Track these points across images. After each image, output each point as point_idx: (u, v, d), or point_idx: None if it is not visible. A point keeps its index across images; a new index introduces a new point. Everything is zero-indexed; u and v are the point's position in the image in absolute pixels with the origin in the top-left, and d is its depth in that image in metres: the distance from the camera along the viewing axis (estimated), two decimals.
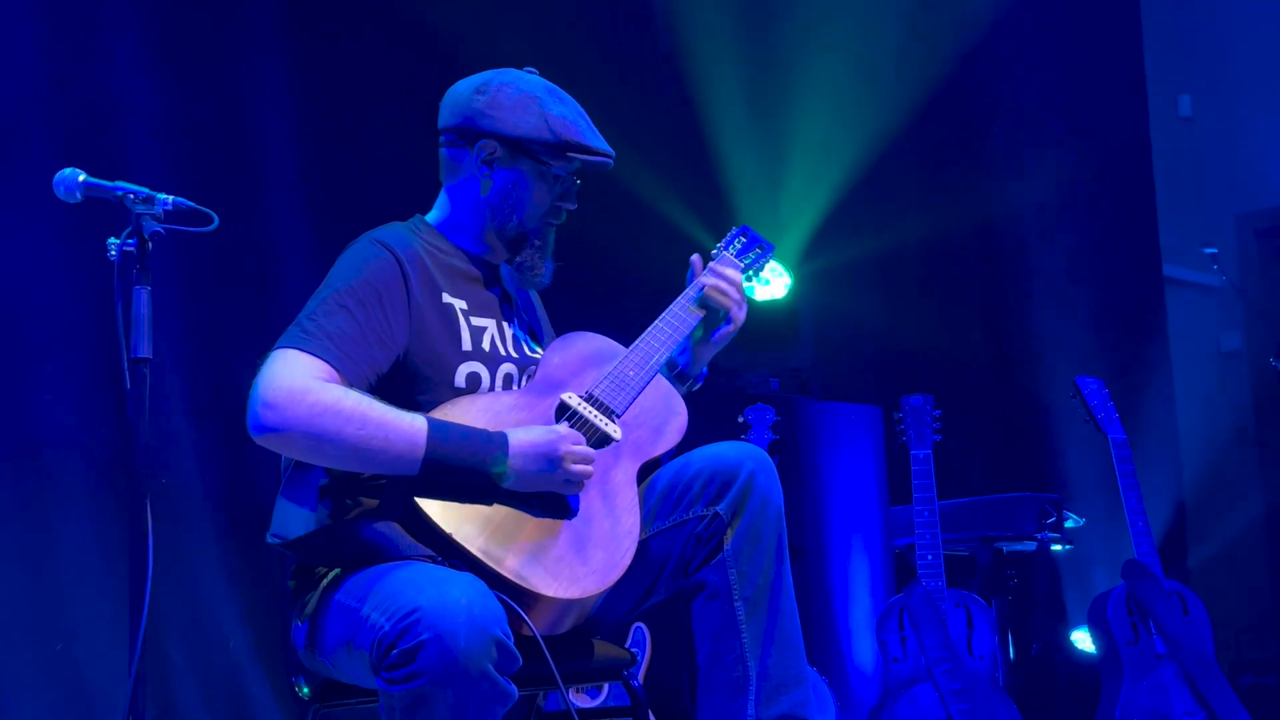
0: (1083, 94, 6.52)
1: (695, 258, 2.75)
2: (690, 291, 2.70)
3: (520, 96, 2.53)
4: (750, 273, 2.88)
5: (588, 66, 5.34)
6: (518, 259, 2.58)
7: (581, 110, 2.61)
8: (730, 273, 2.71)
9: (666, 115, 5.81)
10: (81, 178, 2.29)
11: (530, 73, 2.63)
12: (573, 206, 2.61)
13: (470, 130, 2.54)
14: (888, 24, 6.05)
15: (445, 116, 2.59)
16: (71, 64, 4.19)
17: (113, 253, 2.23)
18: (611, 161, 2.59)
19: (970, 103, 6.34)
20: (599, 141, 2.58)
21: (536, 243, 2.58)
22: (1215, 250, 6.31)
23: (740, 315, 2.69)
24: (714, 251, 2.86)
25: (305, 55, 4.82)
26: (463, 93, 2.57)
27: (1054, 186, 6.40)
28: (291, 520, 2.32)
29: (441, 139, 2.60)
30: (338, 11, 4.95)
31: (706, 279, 2.68)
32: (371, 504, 2.30)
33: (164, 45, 4.41)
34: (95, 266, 2.32)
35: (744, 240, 2.90)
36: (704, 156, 5.85)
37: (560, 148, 2.52)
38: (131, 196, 2.26)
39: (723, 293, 2.67)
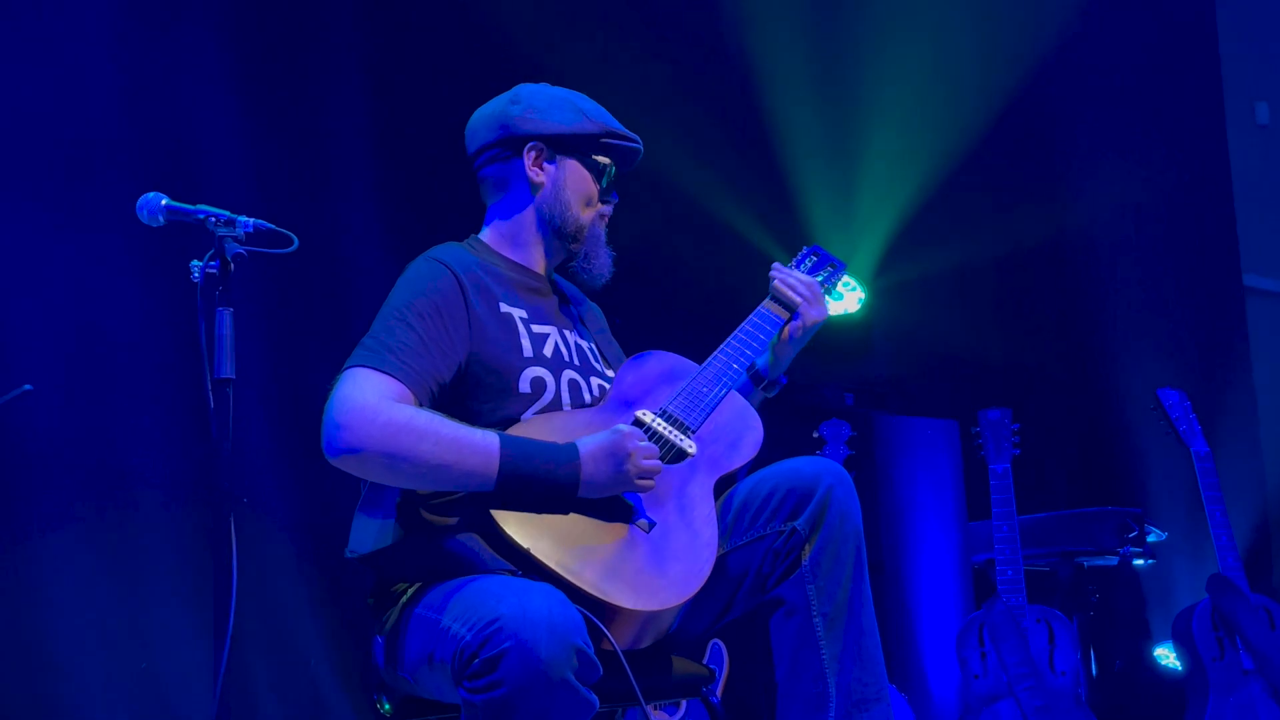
0: (1159, 103, 6.45)
1: (776, 265, 2.81)
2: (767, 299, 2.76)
3: (553, 97, 2.64)
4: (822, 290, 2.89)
5: (660, 82, 5.37)
6: (580, 251, 2.64)
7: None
8: (798, 273, 2.78)
9: (739, 131, 5.82)
10: (164, 201, 2.32)
11: None
12: (615, 199, 2.68)
13: (514, 138, 2.61)
14: (961, 36, 6.02)
15: (482, 136, 2.65)
16: (151, 89, 4.25)
17: (195, 275, 2.27)
18: (642, 149, 2.69)
19: (1045, 113, 6.29)
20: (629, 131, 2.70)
21: (593, 233, 2.65)
22: None
23: (813, 312, 2.73)
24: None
25: (382, 76, 4.87)
26: (494, 109, 2.66)
27: (1131, 196, 6.33)
28: (369, 535, 2.34)
29: (479, 160, 2.66)
30: (415, 32, 5.00)
31: (776, 273, 2.76)
32: (448, 520, 2.32)
33: (242, 69, 4.47)
34: (178, 288, 2.35)
35: (815, 259, 2.92)
36: (777, 172, 5.85)
37: (603, 135, 2.62)
38: (213, 219, 2.29)
39: (790, 287, 2.73)
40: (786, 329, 2.72)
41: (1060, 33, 6.17)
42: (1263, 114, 6.85)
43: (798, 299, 2.72)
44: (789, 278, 2.75)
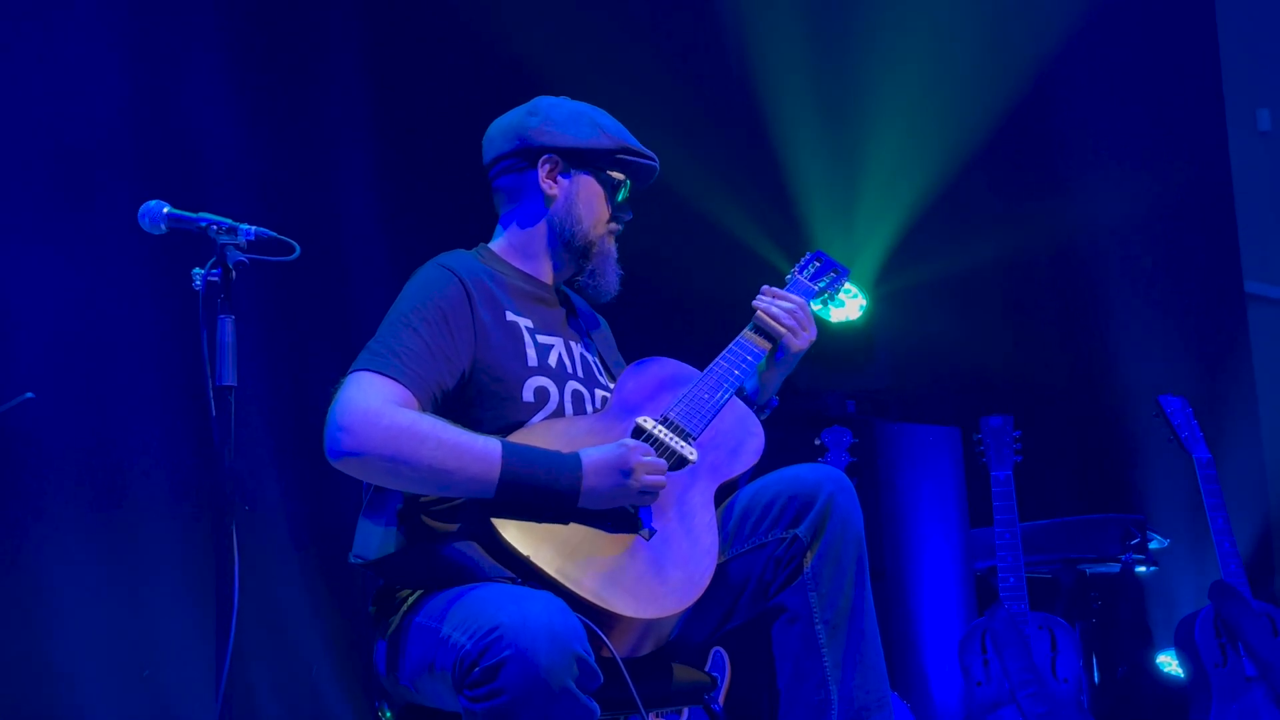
0: (1160, 110, 6.45)
1: (765, 289, 2.77)
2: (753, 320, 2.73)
3: (572, 111, 2.65)
4: (825, 296, 2.89)
5: (661, 91, 5.37)
6: (589, 267, 2.64)
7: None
8: (785, 300, 2.73)
9: (740, 138, 5.82)
10: (166, 209, 2.33)
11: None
12: (629, 217, 2.68)
13: (530, 149, 2.61)
14: (962, 43, 6.03)
15: (498, 146, 2.65)
16: (154, 97, 4.26)
17: (197, 283, 2.27)
18: (658, 167, 2.69)
19: (1046, 120, 6.29)
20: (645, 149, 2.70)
21: (603, 249, 2.65)
22: None
23: (798, 342, 2.70)
24: (788, 276, 2.88)
25: (385, 85, 4.88)
26: (512, 120, 2.66)
27: (1132, 203, 6.33)
28: (373, 541, 2.34)
29: (494, 170, 2.67)
30: (416, 42, 5.01)
31: (760, 303, 2.72)
32: (450, 526, 2.32)
33: (244, 77, 4.48)
34: (179, 296, 2.36)
35: (818, 265, 2.91)
36: (778, 179, 5.85)
37: (618, 151, 2.63)
38: (215, 227, 2.30)
39: (774, 318, 2.70)
40: (774, 355, 2.71)
41: (1062, 40, 6.17)
42: (1264, 120, 6.85)
43: (782, 330, 2.70)
44: (772, 307, 2.71)
